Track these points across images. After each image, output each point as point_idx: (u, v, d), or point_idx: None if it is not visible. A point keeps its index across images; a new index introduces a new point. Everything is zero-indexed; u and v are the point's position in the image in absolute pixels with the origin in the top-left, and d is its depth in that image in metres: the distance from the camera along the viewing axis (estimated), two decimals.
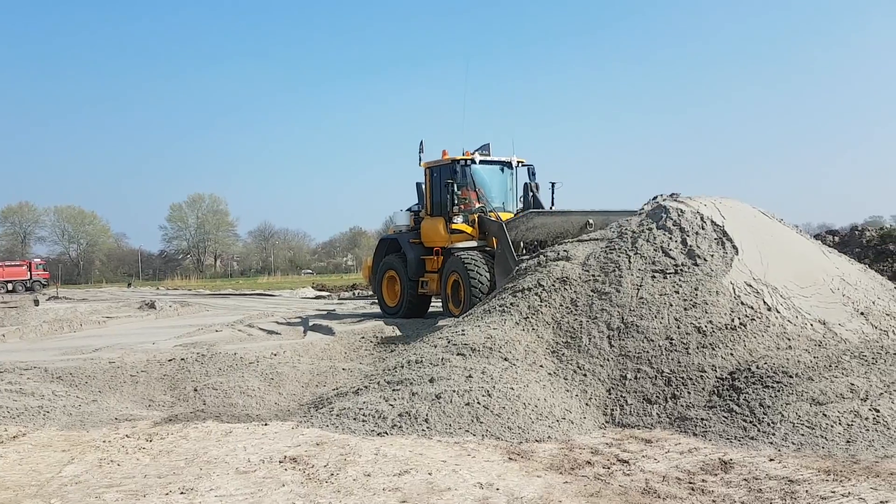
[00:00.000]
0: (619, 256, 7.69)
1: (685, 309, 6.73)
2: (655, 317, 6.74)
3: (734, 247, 7.36)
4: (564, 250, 8.28)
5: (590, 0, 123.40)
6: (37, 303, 28.39)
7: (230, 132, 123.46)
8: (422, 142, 14.33)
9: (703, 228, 7.67)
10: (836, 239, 15.89)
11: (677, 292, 6.96)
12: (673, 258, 7.40)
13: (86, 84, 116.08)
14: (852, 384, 5.61)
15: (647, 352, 6.43)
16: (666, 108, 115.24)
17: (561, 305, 7.41)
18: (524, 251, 11.23)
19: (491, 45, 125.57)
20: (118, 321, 19.17)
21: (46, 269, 59.32)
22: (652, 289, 7.09)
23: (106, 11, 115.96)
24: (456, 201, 13.31)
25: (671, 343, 6.45)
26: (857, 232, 16.00)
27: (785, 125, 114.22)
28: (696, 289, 6.93)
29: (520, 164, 14.17)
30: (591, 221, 11.41)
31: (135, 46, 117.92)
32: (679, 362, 6.23)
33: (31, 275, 54.24)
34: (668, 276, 7.21)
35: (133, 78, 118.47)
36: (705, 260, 7.26)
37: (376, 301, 16.53)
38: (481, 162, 13.79)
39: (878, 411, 5.29)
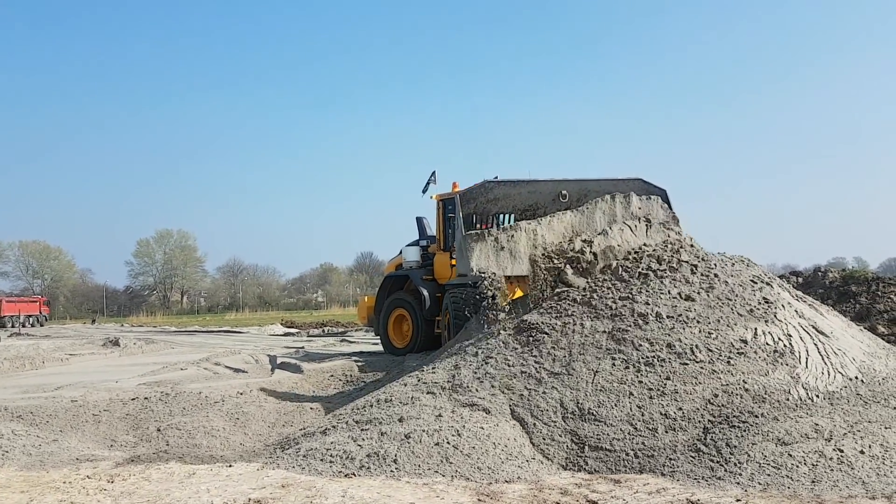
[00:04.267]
0: (570, 341, 7.21)
1: (650, 398, 6.27)
2: (615, 406, 6.24)
3: (793, 355, 6.76)
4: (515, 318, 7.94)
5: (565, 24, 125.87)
6: None
7: (200, 167, 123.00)
8: (434, 172, 13.59)
9: (744, 344, 6.87)
10: (800, 280, 16.17)
11: (640, 382, 6.46)
12: (640, 351, 6.82)
13: (52, 117, 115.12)
14: (817, 424, 5.68)
15: (608, 434, 6.00)
16: (635, 132, 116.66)
17: (510, 369, 7.07)
18: (482, 226, 10.34)
19: (469, 66, 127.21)
20: (81, 358, 18.75)
21: (49, 304, 63.22)
22: (610, 377, 6.60)
23: (70, 45, 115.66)
24: None
25: (634, 429, 6.01)
26: (820, 273, 16.30)
27: (750, 166, 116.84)
28: (667, 379, 6.44)
29: None
30: (564, 193, 10.41)
31: (101, 80, 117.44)
32: (644, 444, 5.84)
33: (40, 310, 57.81)
34: (630, 366, 6.68)
35: (99, 112, 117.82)
36: (697, 360, 6.63)
37: (348, 337, 16.10)
38: None
39: (842, 451, 5.36)
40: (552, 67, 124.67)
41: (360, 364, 12.46)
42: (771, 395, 6.13)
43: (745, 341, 6.84)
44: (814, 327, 7.31)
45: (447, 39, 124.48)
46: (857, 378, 6.57)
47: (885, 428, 5.75)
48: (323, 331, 29.58)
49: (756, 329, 7.02)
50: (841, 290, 14.91)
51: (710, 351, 6.72)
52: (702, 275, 7.95)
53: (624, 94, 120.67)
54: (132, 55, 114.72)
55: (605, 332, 7.21)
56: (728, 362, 6.57)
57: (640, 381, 6.45)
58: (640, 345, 6.88)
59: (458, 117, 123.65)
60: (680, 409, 6.08)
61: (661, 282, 7.82)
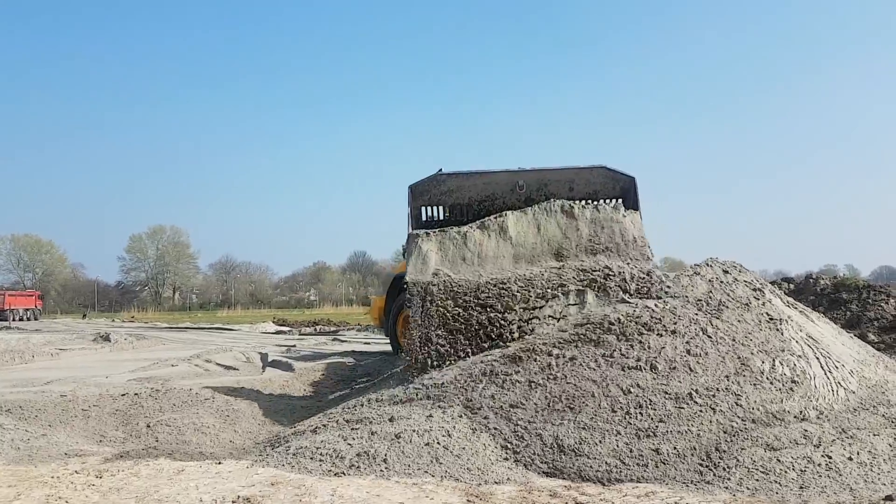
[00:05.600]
0: (548, 388, 6.63)
1: (638, 438, 5.91)
2: (600, 443, 5.87)
3: (805, 377, 6.53)
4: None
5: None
6: None
7: (194, 163, 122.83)
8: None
9: (761, 375, 6.49)
10: (792, 286, 16.23)
11: (630, 423, 6.07)
12: (627, 392, 6.40)
13: (45, 112, 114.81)
14: (806, 430, 5.70)
15: (592, 467, 5.66)
16: (630, 140, 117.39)
17: (481, 394, 6.68)
18: (438, 218, 10.02)
19: (463, 64, 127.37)
20: (72, 353, 18.70)
21: (42, 298, 64.92)
22: (595, 417, 6.18)
23: (64, 40, 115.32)
24: None
25: (623, 462, 5.67)
26: (811, 280, 16.36)
27: (744, 170, 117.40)
28: (659, 421, 6.03)
29: None
30: (521, 183, 9.88)
31: (95, 75, 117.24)
32: (633, 476, 5.52)
33: (35, 304, 59.13)
34: (618, 409, 6.22)
35: (94, 107, 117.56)
36: (697, 403, 6.19)
37: (340, 336, 16.10)
38: None
39: (830, 458, 5.38)
40: (551, 66, 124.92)
41: (351, 363, 12.47)
42: (783, 419, 5.98)
43: (761, 372, 6.53)
44: (813, 339, 7.29)
45: (444, 38, 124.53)
46: (856, 392, 6.57)
47: (874, 435, 5.78)
48: (315, 329, 29.58)
49: (775, 361, 6.68)
50: (832, 297, 14.97)
51: (711, 390, 6.32)
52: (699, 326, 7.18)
53: (620, 94, 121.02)
54: (127, 50, 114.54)
55: (592, 379, 6.64)
56: (736, 395, 6.24)
57: (630, 423, 6.07)
58: (630, 390, 6.43)
59: (455, 115, 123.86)
60: (675, 447, 5.75)
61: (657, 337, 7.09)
